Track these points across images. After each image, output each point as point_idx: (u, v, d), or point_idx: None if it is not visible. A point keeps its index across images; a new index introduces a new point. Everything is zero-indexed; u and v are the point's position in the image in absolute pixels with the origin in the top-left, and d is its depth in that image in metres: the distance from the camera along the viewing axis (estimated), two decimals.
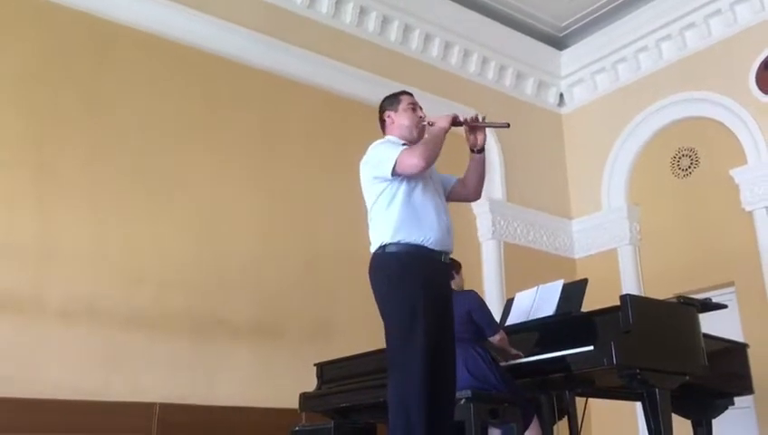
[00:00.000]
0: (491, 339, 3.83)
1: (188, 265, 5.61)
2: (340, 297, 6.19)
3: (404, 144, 3.13)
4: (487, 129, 3.25)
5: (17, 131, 5.22)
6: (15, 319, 4.87)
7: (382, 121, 3.32)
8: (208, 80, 6.19)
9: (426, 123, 3.21)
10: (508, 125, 3.16)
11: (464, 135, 3.25)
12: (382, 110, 3.31)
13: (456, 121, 3.14)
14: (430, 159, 2.99)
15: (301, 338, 5.93)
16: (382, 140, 3.21)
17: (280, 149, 6.40)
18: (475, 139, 3.20)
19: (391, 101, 3.30)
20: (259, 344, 5.77)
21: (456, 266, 4.10)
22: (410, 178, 3.04)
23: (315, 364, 5.15)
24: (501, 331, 3.87)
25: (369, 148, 3.17)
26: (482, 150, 3.21)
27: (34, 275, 5.03)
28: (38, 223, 5.14)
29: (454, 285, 3.95)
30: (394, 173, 3.00)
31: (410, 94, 3.32)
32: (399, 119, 3.23)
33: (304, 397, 5.02)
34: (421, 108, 3.28)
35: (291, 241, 6.18)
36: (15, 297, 4.90)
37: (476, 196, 3.38)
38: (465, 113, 3.29)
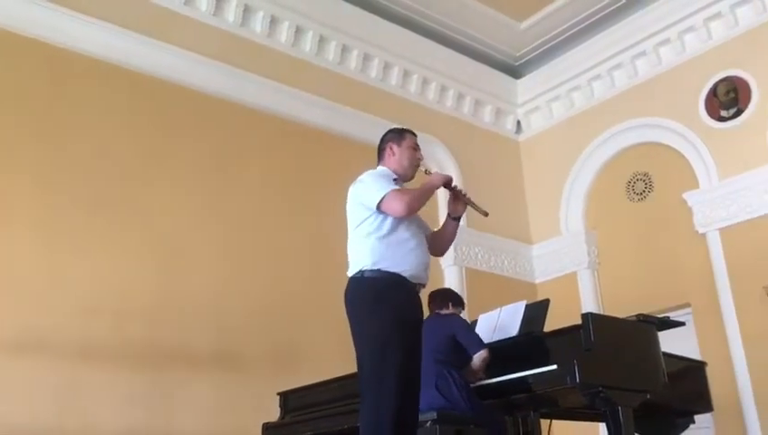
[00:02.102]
0: (476, 356, 3.79)
1: (146, 295, 5.50)
2: (303, 325, 6.13)
3: (395, 179, 3.30)
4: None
5: None
6: None
7: (382, 150, 3.45)
8: (165, 108, 6.14)
9: (423, 169, 3.44)
10: (486, 214, 3.41)
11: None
12: (386, 140, 3.46)
13: (447, 183, 3.35)
14: (413, 210, 3.19)
15: (264, 367, 5.83)
16: (378, 171, 3.36)
17: (239, 177, 6.37)
18: (455, 207, 3.43)
19: (397, 134, 3.45)
20: (220, 375, 5.65)
21: (454, 300, 4.17)
22: None
23: (278, 393, 5.08)
24: (486, 349, 3.82)
25: (365, 173, 3.32)
26: (458, 219, 3.44)
27: None
28: None
29: (444, 313, 4.03)
30: (378, 207, 3.14)
31: (415, 135, 3.49)
32: (401, 154, 3.38)
33: (267, 427, 4.94)
34: (419, 149, 3.46)
35: (251, 269, 6.12)
36: None
37: (441, 253, 3.59)
38: (456, 182, 3.54)
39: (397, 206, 3.11)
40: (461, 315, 4.16)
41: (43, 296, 5.09)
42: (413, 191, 3.24)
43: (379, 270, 3.08)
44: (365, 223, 3.17)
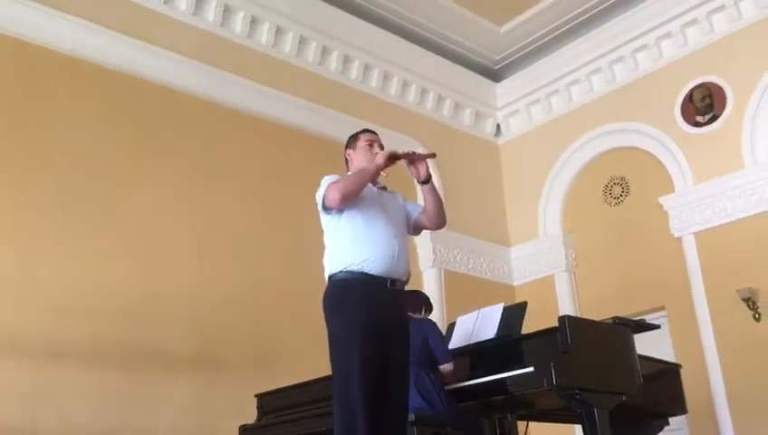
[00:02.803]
0: (442, 367, 3.89)
1: (121, 295, 5.44)
2: (281, 327, 6.11)
3: None
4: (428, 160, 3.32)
5: None
6: None
7: (346, 160, 3.41)
8: (143, 107, 6.08)
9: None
10: (434, 155, 3.30)
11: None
12: (345, 149, 3.42)
13: (393, 157, 3.18)
14: (348, 193, 3.06)
15: (241, 369, 5.80)
16: (331, 175, 3.25)
17: (217, 177, 6.33)
18: (417, 171, 3.24)
19: (351, 139, 3.41)
20: (196, 375, 5.62)
21: (426, 304, 4.16)
22: (349, 207, 3.10)
23: (256, 395, 5.05)
24: (451, 363, 3.91)
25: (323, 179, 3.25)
26: (426, 182, 3.25)
27: None
28: None
29: (417, 317, 4.00)
30: (324, 207, 3.11)
31: (371, 132, 3.41)
32: (357, 156, 3.33)
33: (244, 429, 4.91)
34: (381, 145, 3.34)
35: (229, 270, 6.08)
36: None
37: (438, 224, 3.37)
38: (404, 147, 3.39)
39: (332, 195, 3.05)
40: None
41: (17, 296, 5.02)
42: (348, 176, 3.19)
43: (342, 271, 3.05)
44: (329, 226, 3.17)
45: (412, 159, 3.22)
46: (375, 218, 3.14)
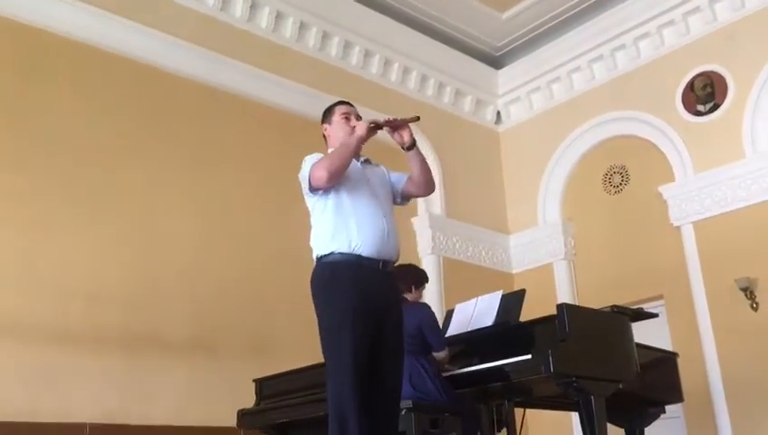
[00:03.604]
0: (436, 355, 3.87)
1: (121, 280, 5.46)
2: (279, 312, 6.12)
3: None
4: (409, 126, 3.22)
5: None
6: None
7: (324, 136, 3.30)
8: (144, 92, 6.06)
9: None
10: (418, 118, 3.19)
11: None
12: (321, 123, 3.31)
13: (374, 126, 3.11)
14: (335, 171, 2.96)
15: (238, 353, 5.82)
16: (312, 154, 3.16)
17: (217, 162, 6.32)
18: (401, 137, 3.15)
19: (326, 114, 3.30)
20: (195, 360, 5.65)
21: (416, 280, 4.11)
22: (336, 186, 3.02)
23: (254, 380, 5.07)
24: (447, 349, 3.90)
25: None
26: (411, 147, 3.16)
27: None
28: None
29: (410, 298, 3.97)
30: (311, 189, 3.01)
31: (346, 104, 3.31)
32: (334, 131, 3.23)
33: (242, 413, 4.93)
34: (358, 116, 3.24)
35: (227, 255, 6.09)
36: None
37: (426, 190, 3.30)
38: (384, 116, 3.28)
39: (319, 174, 2.94)
40: (423, 293, 4.17)
41: (18, 281, 5.03)
42: (332, 153, 3.07)
43: (331, 253, 2.96)
44: (315, 207, 3.07)
45: (394, 125, 3.14)
46: (362, 197, 3.06)
